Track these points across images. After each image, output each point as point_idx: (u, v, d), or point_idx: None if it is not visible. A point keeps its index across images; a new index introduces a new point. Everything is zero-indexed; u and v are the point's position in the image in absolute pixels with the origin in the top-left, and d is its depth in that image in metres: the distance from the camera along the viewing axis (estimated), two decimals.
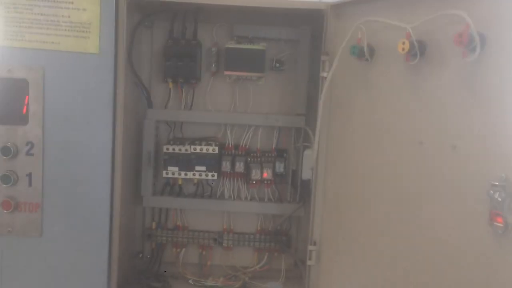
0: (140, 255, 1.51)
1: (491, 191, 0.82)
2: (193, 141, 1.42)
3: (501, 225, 0.79)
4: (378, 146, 1.10)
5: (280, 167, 1.43)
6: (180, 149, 1.40)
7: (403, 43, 0.98)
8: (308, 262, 1.31)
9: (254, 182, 1.42)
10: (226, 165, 1.42)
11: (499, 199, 0.80)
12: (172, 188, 1.47)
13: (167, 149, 1.40)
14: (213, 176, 1.40)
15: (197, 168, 1.40)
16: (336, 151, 1.25)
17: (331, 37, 1.25)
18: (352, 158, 1.18)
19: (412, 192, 1.01)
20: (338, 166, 1.24)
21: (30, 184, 1.21)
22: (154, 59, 1.47)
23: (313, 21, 1.37)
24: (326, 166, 1.28)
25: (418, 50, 0.96)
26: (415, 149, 1.00)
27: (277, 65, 1.44)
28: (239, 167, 1.42)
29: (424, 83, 0.99)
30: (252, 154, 1.44)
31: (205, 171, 1.40)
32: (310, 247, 1.30)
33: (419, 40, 0.97)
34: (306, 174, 1.40)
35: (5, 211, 1.21)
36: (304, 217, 1.46)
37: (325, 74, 1.24)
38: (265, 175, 1.40)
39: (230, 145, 1.45)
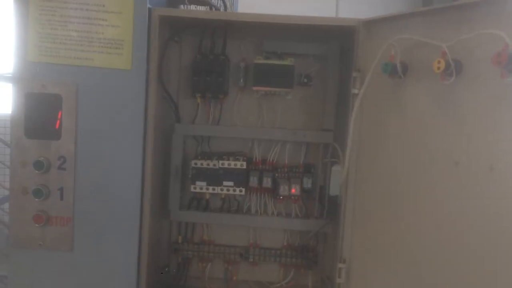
0: (166, 269, 1.51)
1: None
2: (221, 156, 1.42)
3: None
4: (411, 165, 1.09)
5: (308, 182, 1.42)
6: (208, 164, 1.40)
7: (439, 62, 0.97)
8: (338, 280, 1.29)
9: (281, 197, 1.42)
10: (253, 180, 1.41)
11: None
12: (199, 202, 1.48)
13: (195, 163, 1.40)
14: (240, 191, 1.40)
15: (225, 183, 1.40)
16: (367, 168, 1.24)
17: (362, 53, 1.24)
18: (384, 176, 1.17)
19: (448, 213, 0.99)
20: (369, 184, 1.23)
21: (61, 198, 1.23)
22: (182, 74, 1.48)
23: (342, 36, 1.37)
24: (356, 183, 1.27)
25: (454, 69, 0.96)
26: (451, 170, 0.98)
27: (305, 80, 1.44)
28: (267, 182, 1.41)
29: (460, 102, 0.98)
30: (279, 170, 1.44)
31: (232, 186, 1.40)
32: (339, 265, 1.28)
33: (455, 59, 0.96)
34: (334, 190, 1.39)
35: (36, 225, 1.22)
36: (331, 233, 1.45)
37: (356, 91, 1.23)
38: (293, 191, 1.40)
39: (258, 160, 1.45)
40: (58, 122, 1.22)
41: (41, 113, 1.22)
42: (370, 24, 1.23)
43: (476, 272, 0.92)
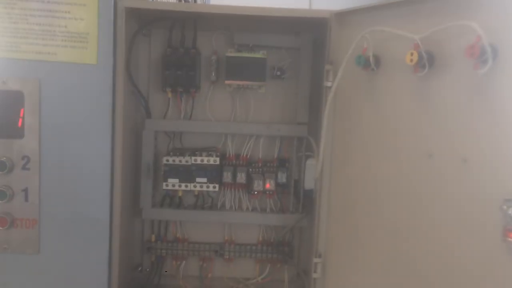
0: (140, 268, 1.47)
1: (504, 206, 0.80)
2: (193, 152, 1.39)
3: None
4: (385, 157, 1.08)
5: (282, 177, 1.40)
6: (180, 160, 1.37)
7: (412, 54, 0.96)
8: (314, 275, 1.28)
9: (255, 192, 1.40)
10: (227, 176, 1.39)
11: None
12: (172, 200, 1.44)
13: (167, 160, 1.37)
14: (214, 187, 1.37)
15: (198, 179, 1.36)
16: (341, 162, 1.23)
17: (335, 46, 1.23)
18: (358, 169, 1.16)
19: (421, 206, 0.99)
20: (343, 177, 1.22)
21: (26, 199, 1.18)
22: (151, 68, 1.44)
23: (314, 28, 1.35)
24: (330, 177, 1.26)
25: (427, 62, 0.95)
26: (424, 162, 0.98)
27: (278, 73, 1.41)
28: (241, 177, 1.39)
29: (433, 94, 0.97)
30: (253, 165, 1.42)
31: (206, 183, 1.37)
32: (315, 260, 1.27)
33: (428, 51, 0.95)
34: (308, 184, 1.38)
35: (0, 228, 1.17)
36: (307, 227, 1.44)
37: (329, 84, 1.22)
38: (267, 186, 1.38)
39: (231, 155, 1.43)
40: (20, 120, 1.16)
41: (2, 111, 1.16)
42: (342, 16, 1.21)
43: (450, 265, 0.92)
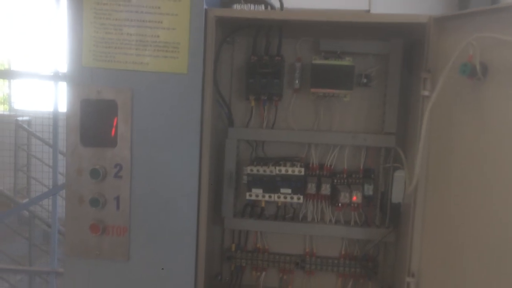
0: (219, 278, 1.46)
1: None
2: (277, 162, 1.36)
3: None
4: (490, 175, 1.00)
5: (369, 189, 1.34)
6: (264, 170, 1.34)
7: None
8: None
9: (340, 205, 1.35)
10: (311, 187, 1.35)
11: None
12: (253, 209, 1.42)
13: (251, 170, 1.34)
14: (298, 199, 1.33)
15: (282, 190, 1.33)
16: (438, 176, 1.15)
17: (433, 52, 1.16)
18: (459, 185, 1.08)
19: None
20: (441, 192, 1.14)
21: (117, 207, 1.19)
22: (234, 76, 1.42)
23: (405, 34, 1.28)
24: (426, 191, 1.18)
25: None
26: None
27: (365, 80, 1.36)
28: (325, 189, 1.34)
29: None
30: (338, 176, 1.37)
31: (290, 194, 1.33)
32: (407, 279, 1.20)
33: None
34: (396, 197, 1.31)
35: (93, 235, 1.19)
36: (394, 243, 1.37)
37: (426, 93, 1.15)
38: (354, 198, 1.32)
39: (315, 165, 1.39)
40: (113, 129, 1.18)
41: (97, 120, 1.18)
42: (442, 21, 1.14)
43: None
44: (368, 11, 5.88)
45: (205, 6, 1.16)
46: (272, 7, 1.36)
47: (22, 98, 6.05)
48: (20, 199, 4.99)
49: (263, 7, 1.36)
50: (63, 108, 2.81)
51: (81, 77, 1.17)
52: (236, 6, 1.37)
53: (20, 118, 5.22)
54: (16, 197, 4.97)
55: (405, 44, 1.32)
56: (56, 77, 2.88)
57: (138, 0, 1.14)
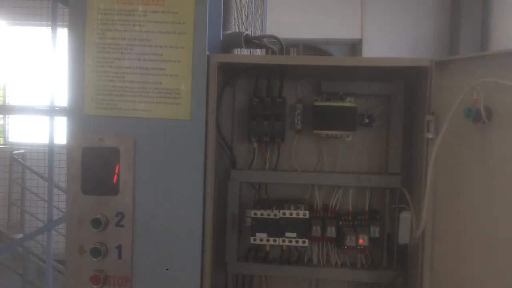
0: None
1: None
2: (280, 204, 1.34)
3: None
4: (498, 219, 0.99)
5: (375, 231, 1.32)
6: (268, 214, 1.32)
7: None
8: None
9: (346, 247, 1.32)
10: (316, 230, 1.32)
11: None
12: (256, 253, 1.39)
13: (255, 214, 1.32)
14: (304, 242, 1.31)
15: (287, 234, 1.31)
16: (445, 219, 1.14)
17: (436, 95, 1.16)
18: (467, 229, 1.07)
19: None
20: (448, 235, 1.13)
21: (119, 257, 1.16)
22: (235, 118, 1.42)
23: (407, 75, 1.29)
24: (433, 234, 1.17)
25: None
26: None
27: (367, 121, 1.35)
28: (331, 231, 1.32)
29: None
30: (343, 217, 1.35)
31: (295, 238, 1.31)
32: None
33: None
34: (403, 238, 1.30)
35: (94, 286, 1.16)
36: (402, 284, 1.34)
37: (430, 136, 1.15)
38: (360, 241, 1.30)
39: (319, 207, 1.37)
40: (115, 176, 1.16)
41: (99, 168, 1.16)
42: (444, 64, 1.15)
43: None
44: (360, 40, 6.00)
45: (207, 53, 1.16)
46: (273, 51, 1.37)
47: (17, 131, 6.02)
48: (13, 233, 4.91)
49: (264, 51, 1.37)
50: (58, 141, 2.80)
51: (83, 125, 1.16)
52: (237, 51, 1.38)
53: (15, 152, 5.19)
54: (9, 232, 4.89)
55: (407, 84, 1.33)
56: (52, 111, 2.87)
57: (141, 48, 1.14)
